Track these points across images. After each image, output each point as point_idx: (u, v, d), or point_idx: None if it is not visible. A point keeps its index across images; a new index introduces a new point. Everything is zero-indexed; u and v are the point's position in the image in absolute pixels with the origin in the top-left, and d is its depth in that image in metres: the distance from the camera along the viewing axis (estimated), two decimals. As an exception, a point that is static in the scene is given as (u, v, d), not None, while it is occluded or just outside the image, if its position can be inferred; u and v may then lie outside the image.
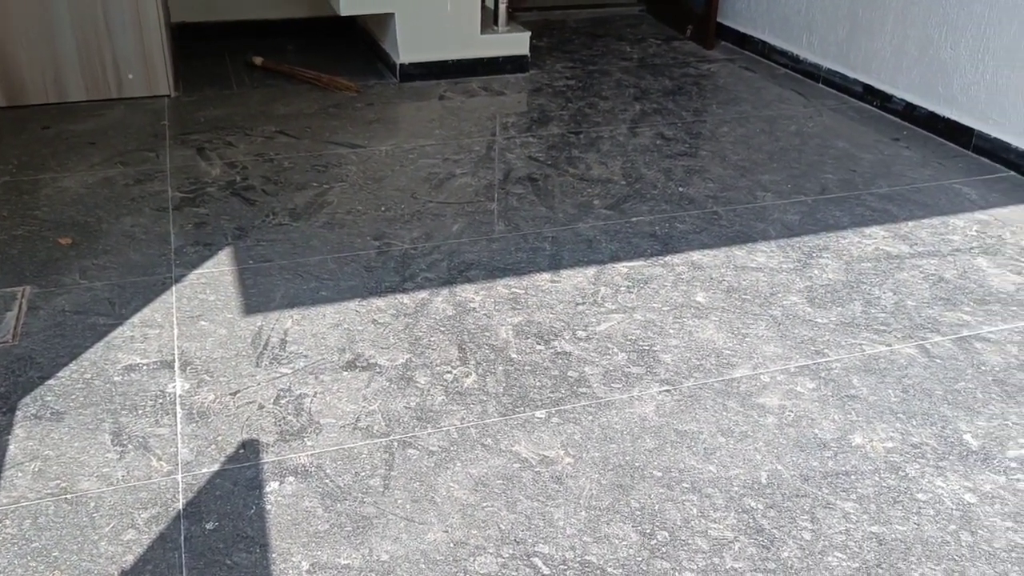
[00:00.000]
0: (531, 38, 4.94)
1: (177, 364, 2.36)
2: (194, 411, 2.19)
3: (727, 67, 5.17)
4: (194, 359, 2.39)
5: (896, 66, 4.34)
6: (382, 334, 2.52)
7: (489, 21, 4.92)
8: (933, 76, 4.13)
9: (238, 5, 5.37)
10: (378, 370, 2.37)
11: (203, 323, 2.55)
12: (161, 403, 2.21)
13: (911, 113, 4.26)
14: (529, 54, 4.93)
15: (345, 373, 2.35)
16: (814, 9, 4.85)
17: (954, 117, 4.03)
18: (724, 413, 2.24)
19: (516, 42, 4.87)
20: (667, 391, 2.32)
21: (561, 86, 4.73)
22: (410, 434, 2.14)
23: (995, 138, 3.83)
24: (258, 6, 5.42)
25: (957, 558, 1.82)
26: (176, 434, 2.11)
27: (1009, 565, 1.80)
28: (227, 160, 3.66)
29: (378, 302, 2.68)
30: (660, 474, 2.03)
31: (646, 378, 2.36)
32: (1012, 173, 3.73)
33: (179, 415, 2.17)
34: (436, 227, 3.16)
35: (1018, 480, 2.04)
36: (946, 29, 4.03)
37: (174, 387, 2.27)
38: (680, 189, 3.51)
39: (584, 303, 2.71)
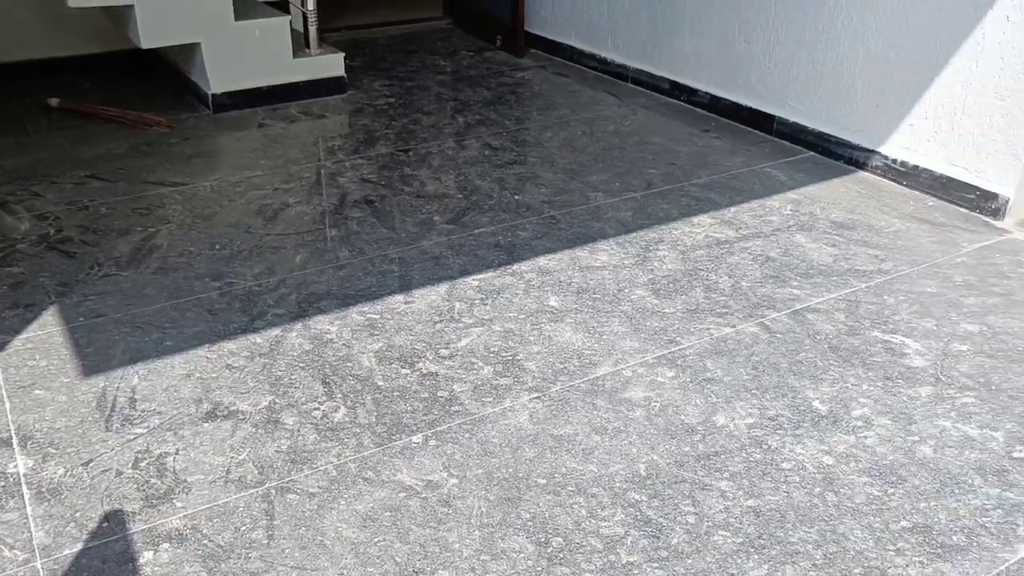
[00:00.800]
0: (345, 58, 4.88)
1: (15, 440, 2.17)
2: (43, 489, 2.02)
3: (540, 74, 5.31)
4: (34, 432, 2.20)
5: (697, 62, 4.60)
6: (239, 378, 2.42)
7: (301, 44, 4.82)
8: (732, 69, 4.41)
9: (22, 44, 4.99)
10: (241, 417, 2.27)
11: (38, 392, 2.35)
12: (3, 486, 2.02)
13: (716, 105, 4.54)
14: (345, 75, 4.87)
15: (206, 425, 2.23)
16: (616, 14, 5.07)
17: (755, 106, 4.33)
18: (595, 412, 2.30)
19: (331, 64, 4.80)
20: (537, 398, 2.35)
21: (382, 104, 4.70)
22: (287, 479, 2.06)
23: (793, 122, 4.14)
24: (46, 44, 5.05)
25: (827, 518, 1.95)
26: (27, 517, 1.93)
27: (871, 517, 1.96)
28: (36, 212, 3.39)
29: (229, 345, 2.56)
30: (544, 481, 2.06)
31: (515, 388, 2.39)
32: (812, 153, 4.05)
33: (27, 496, 2.00)
34: (278, 260, 3.06)
35: (866, 438, 2.21)
36: (739, 25, 4.32)
37: (16, 466, 2.09)
38: (516, 197, 3.58)
39: (442, 321, 2.71)
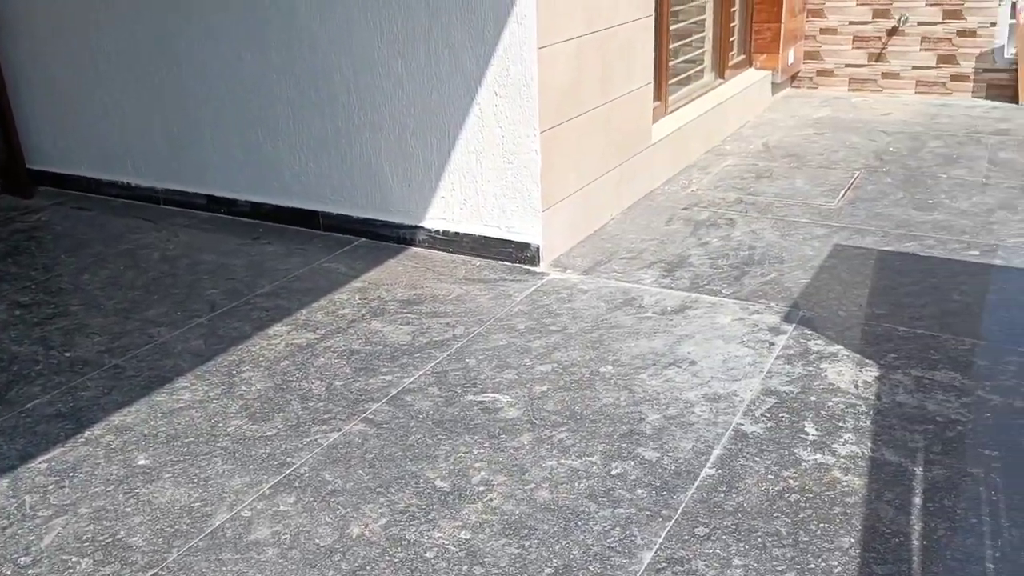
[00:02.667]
0: None
1: None
2: None
3: (59, 212, 4.83)
4: None
5: (228, 171, 4.54)
6: None
7: None
8: (264, 173, 4.42)
9: None
10: None
11: None
12: None
13: (259, 211, 4.51)
14: None
15: None
16: (129, 133, 4.81)
17: (297, 205, 4.38)
18: (224, 569, 2.11)
19: None
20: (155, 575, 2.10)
21: None
22: None
23: (338, 214, 4.26)
24: None
25: (481, 592, 2.01)
26: None
27: (523, 574, 2.05)
28: None
29: None
30: (189, 667, 1.83)
31: (125, 573, 2.11)
32: (364, 239, 4.20)
33: None
34: None
35: (491, 500, 2.32)
36: (260, 130, 4.35)
37: None
38: (67, 354, 3.19)
39: (11, 523, 2.30)
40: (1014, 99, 6.67)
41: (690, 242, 4.06)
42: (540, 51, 3.57)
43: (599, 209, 4.27)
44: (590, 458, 2.48)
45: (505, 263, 3.87)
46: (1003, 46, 6.71)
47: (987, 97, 6.85)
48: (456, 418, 2.70)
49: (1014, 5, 6.54)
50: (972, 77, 6.88)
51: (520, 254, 3.84)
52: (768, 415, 2.66)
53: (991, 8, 6.67)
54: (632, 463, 2.45)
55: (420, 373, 2.97)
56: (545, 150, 3.71)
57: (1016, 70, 6.61)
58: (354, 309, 3.48)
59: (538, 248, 3.80)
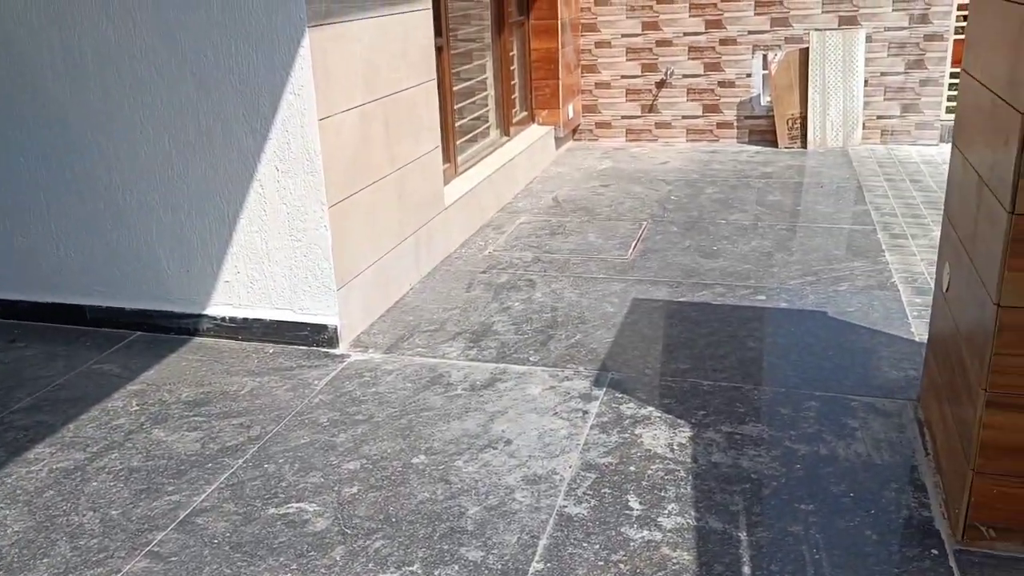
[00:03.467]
0: None
1: None
2: None
3: None
4: None
5: (-28, 267, 3.99)
6: None
7: None
8: (26, 267, 3.91)
9: None
10: None
11: None
12: None
13: (14, 309, 3.98)
14: None
15: None
16: None
17: (60, 300, 3.90)
18: None
19: None
20: None
21: None
22: None
23: (108, 307, 3.83)
24: None
25: None
26: None
27: None
28: None
29: None
30: None
31: None
32: (140, 333, 3.80)
33: None
34: None
35: (303, 635, 2.06)
36: (10, 219, 3.85)
37: None
38: None
39: None
40: (774, 143, 7.18)
41: (493, 308, 3.97)
42: (322, 122, 3.38)
43: (397, 280, 4.10)
44: (410, 567, 2.28)
45: (301, 348, 3.60)
46: (759, 95, 7.23)
47: (750, 142, 7.33)
48: (257, 538, 2.41)
49: (765, 57, 7.06)
50: (735, 124, 7.35)
51: (317, 337, 3.59)
52: (591, 492, 2.57)
53: (746, 60, 7.17)
54: (456, 567, 2.27)
55: (213, 488, 2.65)
56: (335, 224, 3.50)
57: (773, 116, 7.13)
58: (131, 418, 3.10)
59: (335, 329, 3.57)
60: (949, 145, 7.00)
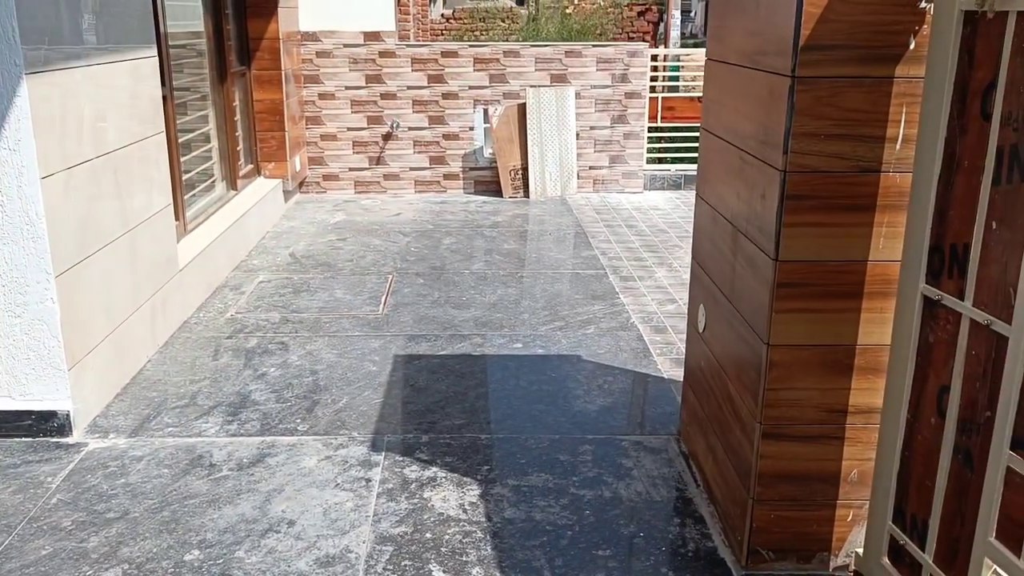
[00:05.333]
0: None
1: None
2: None
3: None
4: None
5: None
6: None
7: None
8: None
9: None
10: None
11: None
12: None
13: None
14: None
15: None
16: None
17: None
18: None
19: None
20: None
21: None
22: None
23: None
24: None
25: None
26: None
27: None
28: None
29: None
30: None
31: None
32: None
33: None
34: None
35: None
36: None
37: None
38: None
39: None
40: (499, 193, 7.45)
41: (247, 375, 3.70)
42: (44, 180, 2.97)
43: (134, 352, 3.69)
44: None
45: (26, 439, 3.11)
46: (482, 147, 7.48)
47: (476, 192, 7.55)
48: None
49: (485, 111, 7.34)
50: (461, 175, 7.54)
51: (44, 425, 3.12)
52: (391, 567, 2.44)
53: (468, 114, 7.40)
54: (260, 674, 2.04)
55: (-67, 624, 2.19)
56: (64, 296, 3.09)
57: (496, 167, 7.40)
58: None
59: (67, 414, 3.13)
60: (652, 192, 7.68)
